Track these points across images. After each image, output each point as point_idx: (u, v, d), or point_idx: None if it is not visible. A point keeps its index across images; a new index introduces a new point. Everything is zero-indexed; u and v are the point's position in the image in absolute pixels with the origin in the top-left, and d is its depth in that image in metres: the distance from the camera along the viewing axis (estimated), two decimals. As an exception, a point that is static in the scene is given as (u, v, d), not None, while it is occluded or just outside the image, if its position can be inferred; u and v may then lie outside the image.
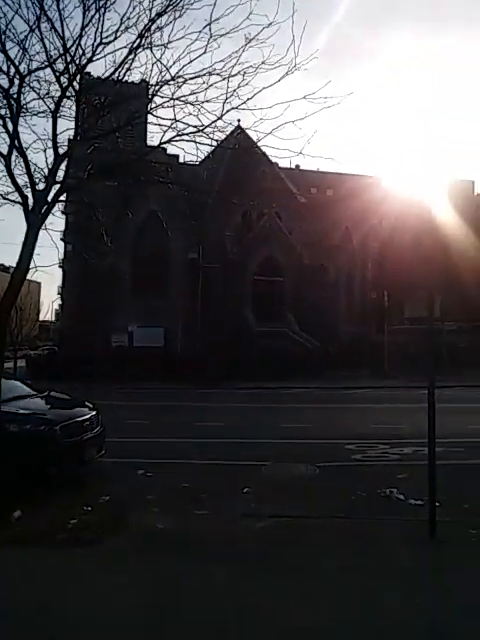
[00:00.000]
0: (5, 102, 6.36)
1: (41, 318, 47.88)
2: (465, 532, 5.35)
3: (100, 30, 6.35)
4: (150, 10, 6.36)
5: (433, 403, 5.32)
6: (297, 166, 39.70)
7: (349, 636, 3.56)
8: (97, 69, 7.02)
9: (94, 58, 6.48)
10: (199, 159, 7.60)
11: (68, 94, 6.61)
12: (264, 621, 3.71)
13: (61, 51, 6.36)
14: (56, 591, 4.16)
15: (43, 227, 6.59)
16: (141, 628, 3.63)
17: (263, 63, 6.38)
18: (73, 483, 7.23)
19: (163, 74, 6.52)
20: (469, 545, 5.09)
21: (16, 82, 6.33)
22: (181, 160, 10.21)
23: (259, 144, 7.21)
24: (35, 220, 6.40)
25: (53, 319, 58.64)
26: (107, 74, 6.69)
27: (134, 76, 6.82)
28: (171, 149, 7.70)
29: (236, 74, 6.42)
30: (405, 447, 9.59)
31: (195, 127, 6.64)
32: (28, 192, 6.51)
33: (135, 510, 6.20)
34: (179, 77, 6.52)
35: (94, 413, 8.12)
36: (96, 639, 3.51)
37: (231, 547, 5.07)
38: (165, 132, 6.75)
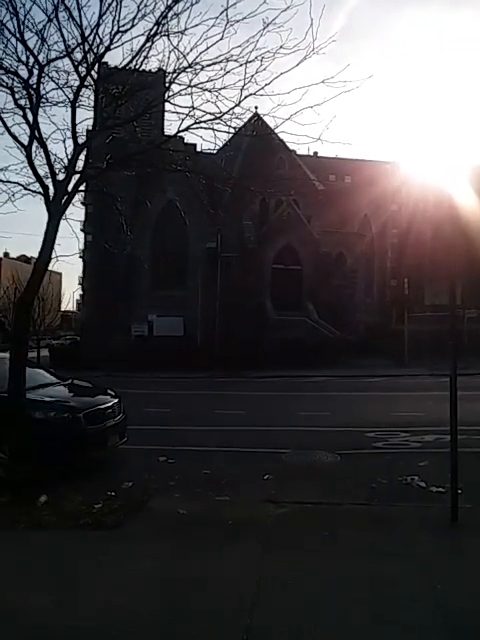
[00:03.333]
0: (25, 92, 6.41)
1: (63, 308, 48.40)
2: (488, 519, 5.33)
3: (117, 18, 6.34)
4: (167, -3, 6.32)
5: (455, 390, 5.28)
6: (315, 153, 39.40)
7: (363, 613, 3.58)
8: (115, 58, 7.05)
9: (112, 46, 6.48)
10: (217, 147, 7.56)
11: (86, 83, 6.62)
12: (280, 598, 3.77)
13: (79, 40, 6.37)
14: (81, 573, 4.26)
15: (64, 217, 6.65)
16: (158, 604, 3.70)
17: (281, 48, 6.31)
18: (96, 469, 7.37)
19: (180, 61, 6.49)
20: (492, 532, 5.06)
21: (35, 72, 6.37)
22: (199, 149, 10.21)
23: (277, 131, 7.13)
24: (56, 210, 6.46)
25: (75, 309, 59.40)
26: (125, 63, 6.69)
27: (151, 64, 6.81)
28: (189, 138, 7.70)
29: (253, 60, 6.36)
30: (426, 435, 9.54)
31: (213, 114, 6.61)
32: (48, 182, 6.57)
33: (157, 495, 6.30)
34: (196, 64, 6.48)
35: (116, 401, 8.23)
36: (120, 618, 3.59)
37: (251, 531, 5.13)
38: (183, 120, 6.73)
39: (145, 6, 6.34)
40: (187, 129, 6.81)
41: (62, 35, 6.37)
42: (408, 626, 3.47)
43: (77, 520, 5.39)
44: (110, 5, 6.31)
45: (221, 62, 6.44)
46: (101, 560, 4.54)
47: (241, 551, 4.62)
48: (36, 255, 6.69)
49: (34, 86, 6.40)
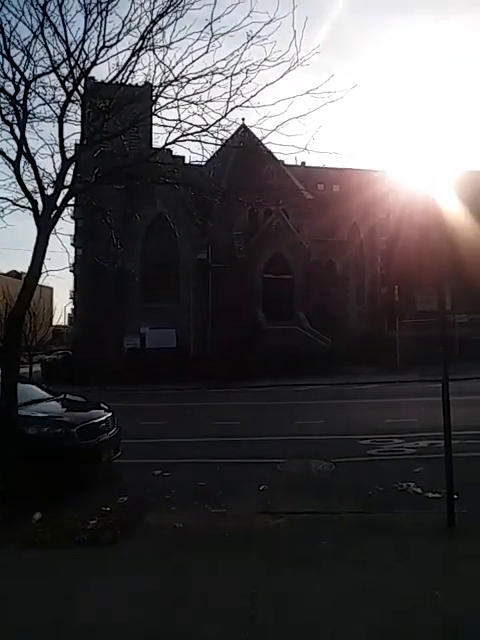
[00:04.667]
0: (12, 108, 6.44)
1: (54, 323, 48.05)
2: (484, 523, 5.33)
3: (103, 33, 6.42)
4: (151, 11, 6.43)
5: (447, 396, 5.30)
6: (303, 163, 39.63)
7: (363, 625, 3.55)
8: (101, 73, 7.10)
9: (97, 61, 6.55)
10: (205, 159, 7.62)
11: (73, 98, 6.67)
12: (278, 611, 3.74)
13: (65, 56, 6.43)
14: (77, 591, 4.20)
15: (53, 232, 6.66)
16: (157, 622, 3.65)
17: (265, 60, 6.41)
18: (91, 484, 7.30)
19: (166, 75, 6.57)
20: (489, 536, 5.06)
21: (22, 88, 6.40)
22: (187, 161, 10.26)
23: (264, 141, 7.21)
24: (45, 225, 6.46)
25: (66, 323, 59.03)
26: (111, 77, 6.75)
27: (137, 78, 6.89)
28: (177, 150, 7.75)
29: (239, 72, 6.46)
30: (420, 441, 9.55)
31: (199, 127, 6.68)
32: (37, 197, 6.59)
33: (153, 510, 6.25)
34: (182, 77, 6.57)
35: (110, 415, 8.17)
36: (117, 636, 3.54)
37: (248, 542, 5.09)
38: (170, 133, 6.80)
39: (130, 21, 6.43)
40: (175, 142, 6.86)
41: (48, 51, 6.44)
42: (408, 634, 3.45)
43: (72, 537, 5.32)
44: (95, 20, 6.40)
45: (207, 75, 6.54)
46: (97, 578, 4.48)
47: (238, 564, 4.58)
48: (26, 270, 6.68)
49: (21, 102, 6.43)
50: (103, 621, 3.72)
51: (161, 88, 6.66)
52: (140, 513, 6.09)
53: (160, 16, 6.42)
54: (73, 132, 7.13)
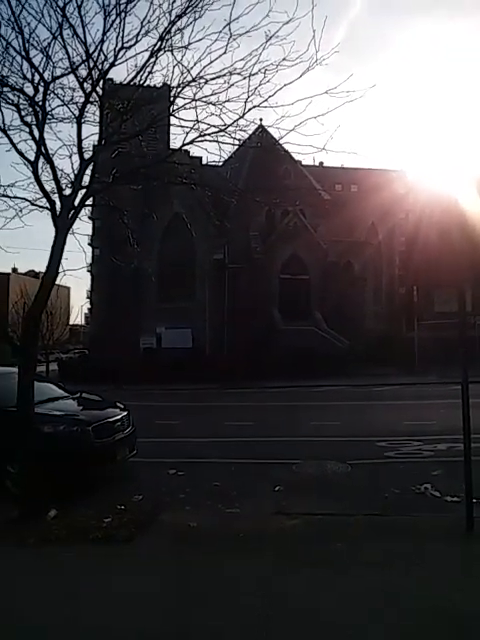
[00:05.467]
0: (31, 109, 6.48)
1: (71, 322, 48.55)
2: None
3: (121, 35, 6.41)
4: (170, 13, 6.40)
5: (467, 398, 5.22)
6: (321, 163, 39.53)
7: (380, 625, 3.51)
8: (119, 74, 7.12)
9: (116, 63, 6.55)
10: (222, 159, 7.60)
11: (92, 100, 6.69)
12: (293, 611, 3.72)
13: (84, 57, 6.44)
14: (91, 589, 4.22)
15: (71, 232, 6.68)
16: (172, 619, 3.65)
17: (284, 60, 6.34)
18: (106, 483, 7.34)
19: (184, 76, 6.55)
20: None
21: (41, 89, 6.43)
22: (204, 162, 10.26)
23: (281, 142, 7.16)
24: (63, 225, 6.50)
25: (83, 323, 59.62)
26: (129, 78, 6.76)
27: (156, 79, 6.87)
28: (194, 151, 7.74)
29: (257, 72, 6.40)
30: (439, 443, 9.42)
31: (217, 127, 6.64)
32: (55, 197, 6.61)
33: (167, 509, 6.26)
34: (200, 78, 6.54)
35: (125, 413, 8.21)
36: (131, 634, 3.54)
37: (262, 543, 5.07)
38: (188, 133, 6.78)
39: (149, 22, 6.41)
40: (192, 142, 6.85)
41: (67, 52, 6.45)
42: (426, 635, 3.40)
43: (87, 535, 5.35)
44: (114, 22, 6.39)
45: (225, 75, 6.49)
46: (111, 575, 4.50)
47: (253, 564, 4.55)
48: (44, 270, 6.73)
49: (40, 103, 6.47)
50: (115, 618, 3.73)
51: (179, 89, 6.65)
52: (155, 512, 6.10)
53: (179, 17, 6.41)
54: (91, 133, 7.15)
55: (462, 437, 5.22)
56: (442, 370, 19.29)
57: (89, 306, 43.47)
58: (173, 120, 7.09)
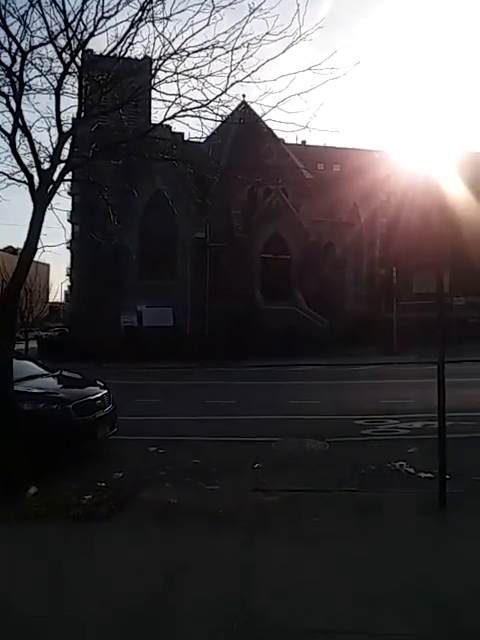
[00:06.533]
0: (8, 80, 6.30)
1: (51, 300, 48.03)
2: (475, 503, 5.40)
3: (101, 3, 6.24)
4: (151, -19, 6.23)
5: (443, 378, 5.32)
6: (303, 142, 39.18)
7: (348, 592, 3.63)
8: (99, 45, 6.94)
9: (96, 33, 6.38)
10: (204, 136, 7.51)
11: (70, 70, 6.52)
12: (268, 582, 3.83)
13: (62, 26, 6.27)
14: (71, 565, 4.26)
15: (49, 207, 6.57)
16: (156, 592, 3.72)
17: (267, 34, 6.27)
18: (86, 460, 7.35)
19: (166, 48, 6.42)
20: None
21: (18, 59, 6.26)
22: (186, 138, 10.11)
23: (264, 119, 7.11)
24: (41, 200, 6.38)
25: (63, 300, 58.97)
26: (109, 49, 6.61)
27: (137, 51, 6.73)
28: (176, 126, 7.63)
29: (240, 46, 6.32)
30: (415, 422, 9.64)
31: (199, 102, 6.56)
32: (33, 171, 6.48)
33: (148, 486, 6.31)
34: (182, 51, 6.42)
35: (105, 392, 8.21)
36: (112, 609, 3.59)
37: (241, 519, 5.15)
38: (169, 108, 6.68)
39: (130, -9, 6.24)
40: (174, 117, 6.75)
41: (45, 21, 6.27)
42: (393, 604, 3.52)
43: (67, 511, 5.36)
44: (94, -10, 6.20)
45: (207, 48, 6.39)
46: (92, 551, 4.54)
47: (232, 539, 4.64)
48: (22, 246, 6.61)
49: (17, 73, 6.29)
50: (95, 594, 3.77)
51: (160, 61, 6.51)
52: (135, 489, 6.14)
53: (161, -14, 6.25)
54: (70, 105, 6.98)
55: (437, 415, 5.34)
56: (420, 350, 19.64)
57: (69, 283, 43.00)
58: (154, 94, 6.99)
